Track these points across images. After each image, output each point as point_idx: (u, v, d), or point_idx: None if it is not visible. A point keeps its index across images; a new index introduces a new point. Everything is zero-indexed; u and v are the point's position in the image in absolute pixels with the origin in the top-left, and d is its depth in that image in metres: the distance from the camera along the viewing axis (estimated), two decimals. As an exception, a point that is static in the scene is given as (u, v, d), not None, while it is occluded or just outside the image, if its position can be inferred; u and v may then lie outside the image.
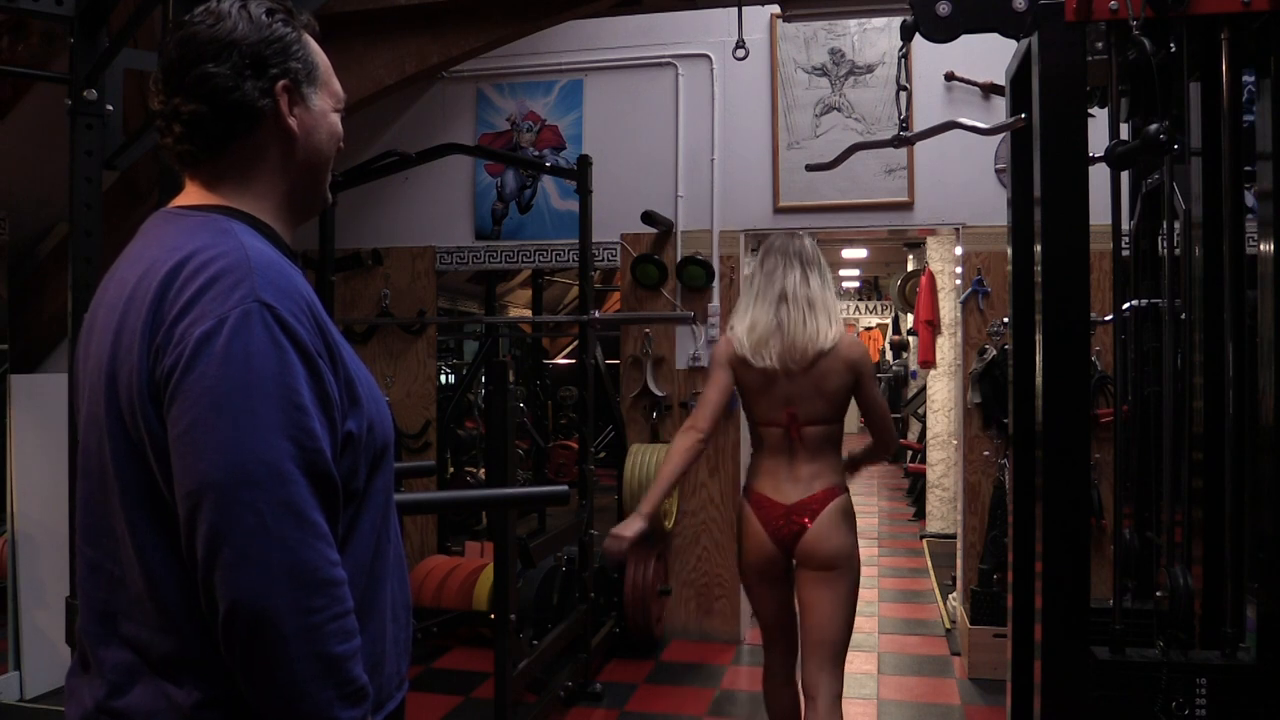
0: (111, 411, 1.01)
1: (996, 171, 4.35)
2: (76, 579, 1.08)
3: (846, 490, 2.59)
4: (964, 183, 4.41)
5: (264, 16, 1.10)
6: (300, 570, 0.93)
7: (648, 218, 4.60)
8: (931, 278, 6.82)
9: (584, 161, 4.27)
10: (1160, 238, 2.29)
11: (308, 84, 1.13)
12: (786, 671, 2.72)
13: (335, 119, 1.18)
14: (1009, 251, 2.37)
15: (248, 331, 0.96)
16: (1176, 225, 2.16)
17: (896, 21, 2.71)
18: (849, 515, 2.57)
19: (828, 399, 2.55)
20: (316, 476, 0.97)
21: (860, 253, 11.78)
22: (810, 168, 2.67)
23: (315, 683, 0.93)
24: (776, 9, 4.22)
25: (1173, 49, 2.01)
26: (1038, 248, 1.99)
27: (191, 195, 1.12)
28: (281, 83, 1.10)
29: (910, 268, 9.72)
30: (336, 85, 1.19)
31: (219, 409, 0.94)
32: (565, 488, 2.55)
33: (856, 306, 15.11)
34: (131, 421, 0.99)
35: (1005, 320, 4.08)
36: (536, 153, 4.88)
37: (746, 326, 2.58)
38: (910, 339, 10.28)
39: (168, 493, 0.98)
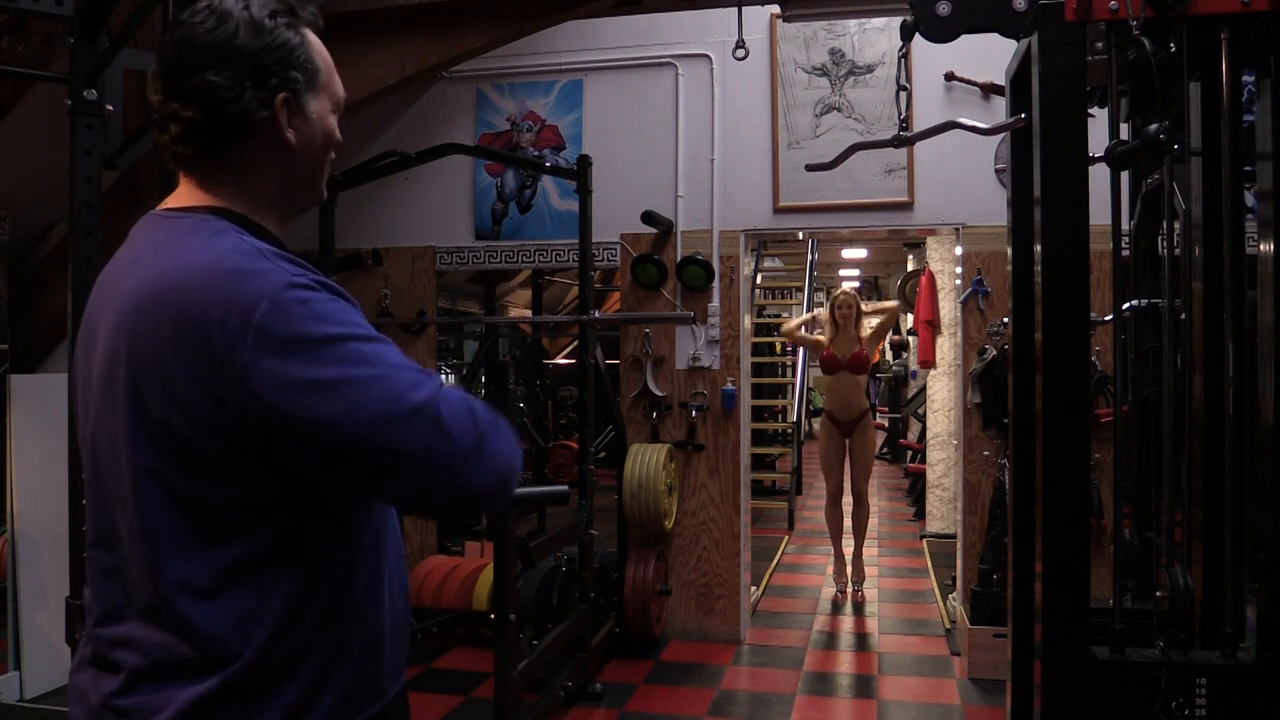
0: (134, 423, 1.01)
1: (996, 171, 4.35)
2: (89, 581, 1.09)
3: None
4: (964, 183, 4.41)
5: (266, 20, 1.07)
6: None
7: (648, 218, 4.60)
8: (931, 278, 6.82)
9: (584, 161, 4.27)
10: (1160, 238, 2.29)
11: (308, 91, 1.11)
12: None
13: (332, 122, 1.15)
14: (1009, 251, 2.38)
15: (304, 298, 0.98)
16: (1176, 225, 2.16)
17: (896, 21, 2.71)
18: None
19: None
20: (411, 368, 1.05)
21: (860, 253, 11.81)
22: (810, 168, 2.68)
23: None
24: (776, 9, 4.22)
25: (1173, 49, 2.01)
26: (1038, 248, 1.99)
27: (183, 195, 1.11)
28: (281, 95, 1.08)
29: (910, 268, 9.73)
30: (337, 87, 1.16)
31: (331, 364, 0.97)
32: (565, 488, 2.54)
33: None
34: (165, 435, 0.99)
35: (1005, 320, 4.08)
36: (536, 153, 4.88)
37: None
38: (910, 339, 10.29)
39: (215, 492, 0.99)
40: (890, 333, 6.57)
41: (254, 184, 1.11)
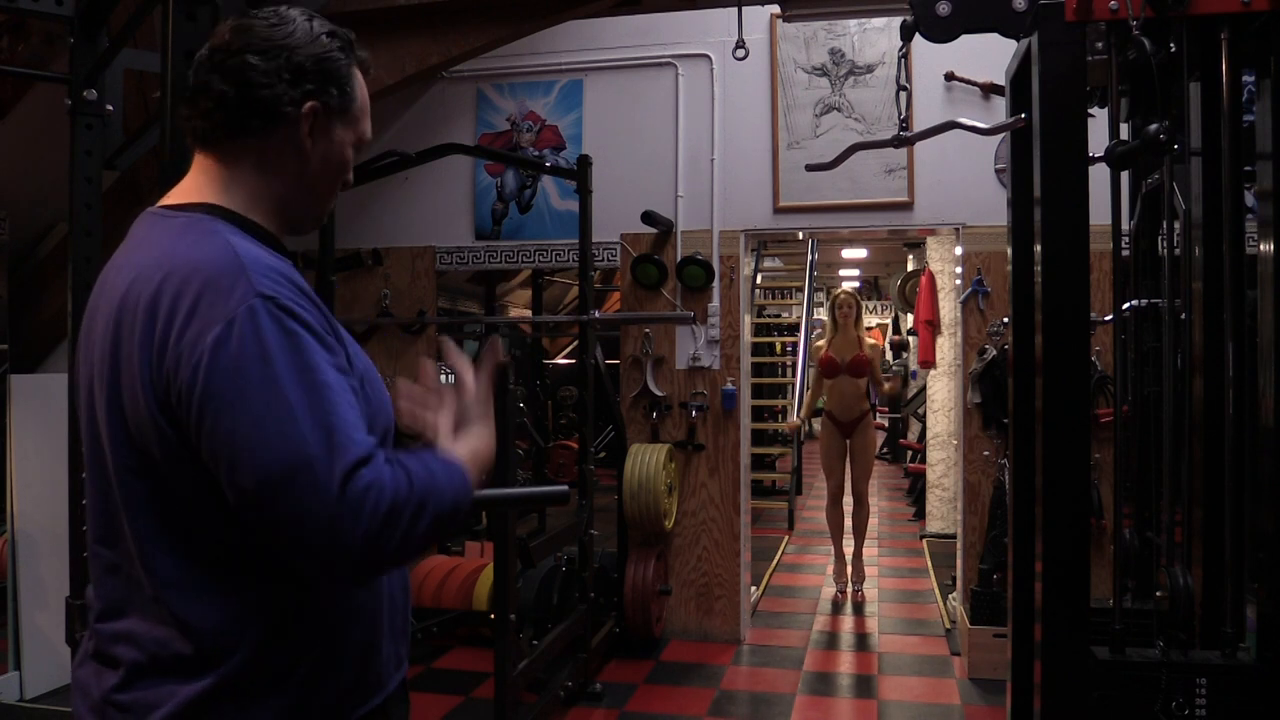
0: (114, 423, 1.02)
1: (996, 171, 4.35)
2: (93, 577, 1.10)
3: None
4: (964, 183, 4.41)
5: (324, 36, 1.13)
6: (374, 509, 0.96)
7: (648, 218, 4.60)
8: (931, 278, 6.82)
9: (584, 161, 4.27)
10: (1160, 238, 2.29)
11: (338, 113, 1.14)
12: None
13: (350, 155, 1.18)
14: (1009, 251, 2.38)
15: (258, 327, 0.96)
16: (1176, 225, 2.16)
17: (896, 21, 2.71)
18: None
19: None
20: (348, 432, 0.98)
21: (860, 253, 11.80)
22: (810, 168, 2.68)
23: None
24: (776, 9, 4.22)
25: (1173, 49, 2.01)
26: (1038, 248, 1.99)
27: (185, 189, 1.13)
28: (311, 103, 1.10)
29: (910, 268, 9.73)
30: (366, 128, 1.19)
31: (252, 410, 0.95)
32: (565, 488, 2.54)
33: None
34: (139, 435, 1.00)
35: (1005, 320, 4.08)
36: (536, 153, 4.88)
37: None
38: (910, 339, 10.29)
39: (187, 494, 1.00)
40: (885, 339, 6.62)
41: (264, 176, 1.12)
